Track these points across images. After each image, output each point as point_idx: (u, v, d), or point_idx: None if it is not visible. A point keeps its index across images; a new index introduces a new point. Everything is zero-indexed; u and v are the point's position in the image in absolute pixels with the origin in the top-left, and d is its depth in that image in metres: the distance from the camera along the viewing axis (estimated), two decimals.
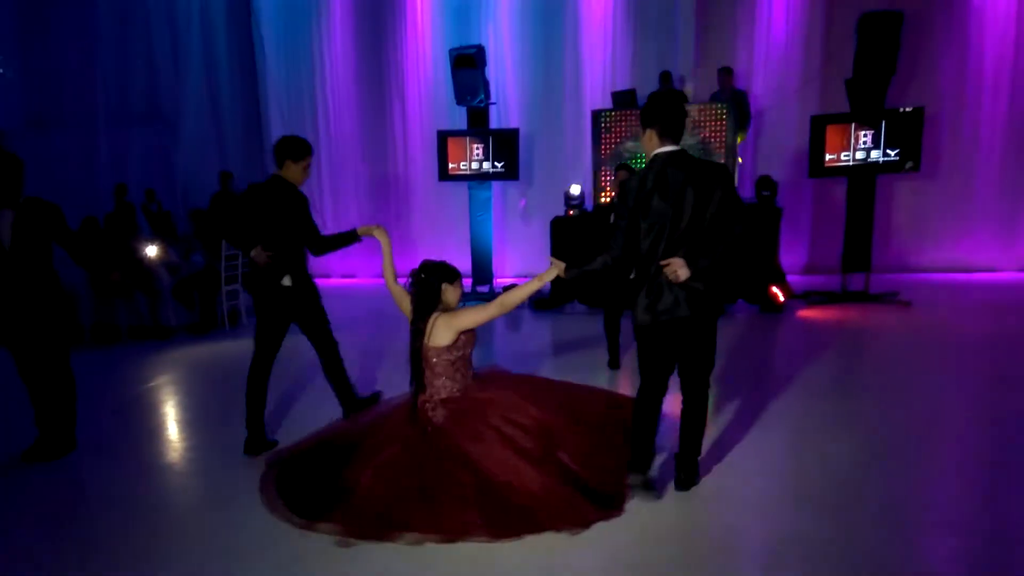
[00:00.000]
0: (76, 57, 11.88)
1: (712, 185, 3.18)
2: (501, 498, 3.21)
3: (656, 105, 3.32)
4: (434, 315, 3.62)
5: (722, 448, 4.09)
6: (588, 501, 3.23)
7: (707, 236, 3.20)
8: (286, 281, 4.29)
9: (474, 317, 3.58)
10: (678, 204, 3.19)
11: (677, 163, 3.25)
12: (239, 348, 7.52)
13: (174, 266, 8.32)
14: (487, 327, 7.95)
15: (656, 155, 3.32)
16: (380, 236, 4.23)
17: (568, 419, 3.56)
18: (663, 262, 3.20)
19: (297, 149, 4.31)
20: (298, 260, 4.38)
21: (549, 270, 3.50)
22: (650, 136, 3.34)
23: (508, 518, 3.13)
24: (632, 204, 3.30)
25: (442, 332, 3.58)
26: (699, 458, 3.59)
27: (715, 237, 3.19)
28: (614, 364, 5.91)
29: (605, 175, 8.99)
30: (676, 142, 3.31)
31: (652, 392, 3.44)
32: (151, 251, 7.99)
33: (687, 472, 3.53)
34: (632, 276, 3.41)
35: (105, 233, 8.45)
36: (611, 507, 3.26)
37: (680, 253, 3.19)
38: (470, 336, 3.67)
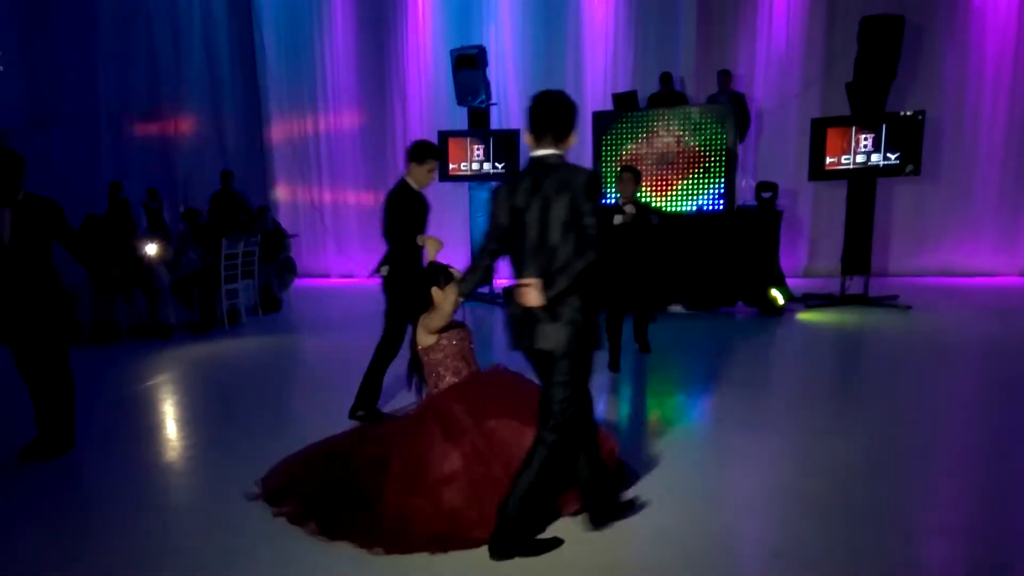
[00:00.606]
0: (77, 57, 11.92)
1: (570, 196, 2.78)
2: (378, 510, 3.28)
3: (531, 104, 2.92)
4: (421, 316, 3.70)
5: (721, 450, 4.09)
6: (452, 536, 3.09)
7: (567, 256, 2.80)
8: (383, 271, 4.57)
9: (430, 322, 3.61)
10: (535, 215, 2.85)
11: (544, 169, 2.88)
12: (239, 347, 7.53)
13: (173, 264, 8.32)
14: (487, 329, 7.99)
15: (529, 158, 2.97)
16: (430, 245, 4.42)
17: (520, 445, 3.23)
18: (520, 282, 2.85)
19: (421, 152, 4.63)
20: (406, 257, 4.59)
21: (451, 286, 3.35)
22: (528, 138, 2.96)
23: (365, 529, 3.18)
24: (499, 215, 3.00)
25: (421, 334, 3.67)
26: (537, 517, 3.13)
27: (571, 259, 2.79)
28: (614, 367, 5.90)
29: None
30: (556, 144, 2.88)
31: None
32: (151, 249, 7.98)
33: (501, 533, 2.95)
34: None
35: (103, 230, 8.45)
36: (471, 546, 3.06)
37: (536, 272, 2.84)
38: (454, 335, 3.68)
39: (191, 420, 5.20)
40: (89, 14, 11.88)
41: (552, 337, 2.85)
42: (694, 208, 8.71)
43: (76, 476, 4.17)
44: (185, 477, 4.14)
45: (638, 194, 6.35)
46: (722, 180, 8.59)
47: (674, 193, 8.81)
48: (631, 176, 6.07)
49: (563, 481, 3.13)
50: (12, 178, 4.04)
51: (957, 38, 10.16)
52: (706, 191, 8.68)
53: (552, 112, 2.89)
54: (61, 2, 11.88)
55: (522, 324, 2.91)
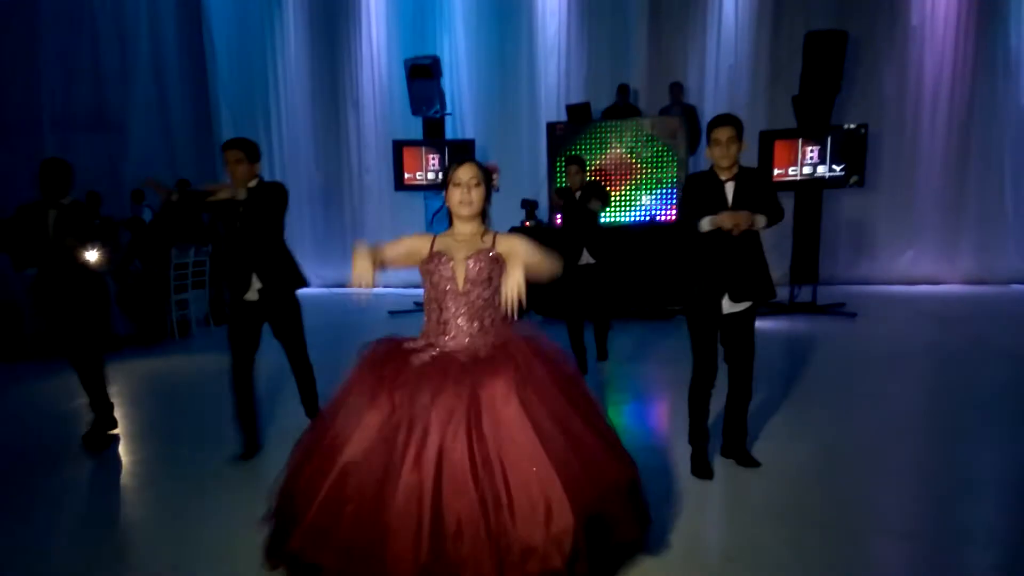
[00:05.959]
0: (20, 64, 11.55)
1: None
2: None
3: None
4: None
5: (671, 458, 4.14)
6: None
7: None
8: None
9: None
10: None
11: None
12: (188, 360, 7.36)
13: (120, 274, 8.10)
14: None
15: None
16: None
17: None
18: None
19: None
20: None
21: None
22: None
23: None
24: None
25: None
26: None
27: None
28: (582, 369, 5.92)
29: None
30: None
31: None
32: (91, 257, 7.71)
33: None
34: None
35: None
36: None
37: None
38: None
39: (137, 435, 5.07)
40: (32, 21, 11.54)
41: None
42: (647, 218, 8.83)
43: (18, 492, 4.03)
44: (132, 493, 4.04)
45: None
46: (674, 191, 8.73)
47: (628, 203, 8.92)
48: (577, 168, 6.17)
49: None
50: None
51: (897, 53, 10.52)
52: (660, 202, 8.83)
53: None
54: (1, 8, 11.52)
55: None
